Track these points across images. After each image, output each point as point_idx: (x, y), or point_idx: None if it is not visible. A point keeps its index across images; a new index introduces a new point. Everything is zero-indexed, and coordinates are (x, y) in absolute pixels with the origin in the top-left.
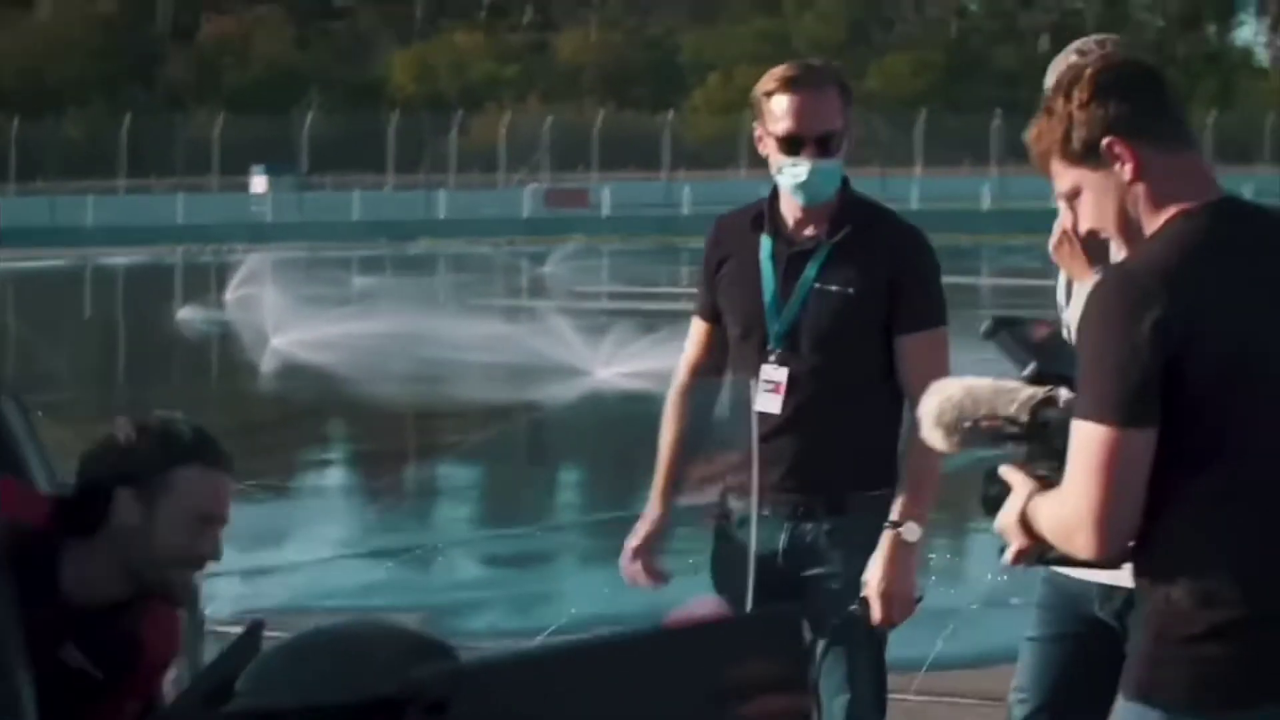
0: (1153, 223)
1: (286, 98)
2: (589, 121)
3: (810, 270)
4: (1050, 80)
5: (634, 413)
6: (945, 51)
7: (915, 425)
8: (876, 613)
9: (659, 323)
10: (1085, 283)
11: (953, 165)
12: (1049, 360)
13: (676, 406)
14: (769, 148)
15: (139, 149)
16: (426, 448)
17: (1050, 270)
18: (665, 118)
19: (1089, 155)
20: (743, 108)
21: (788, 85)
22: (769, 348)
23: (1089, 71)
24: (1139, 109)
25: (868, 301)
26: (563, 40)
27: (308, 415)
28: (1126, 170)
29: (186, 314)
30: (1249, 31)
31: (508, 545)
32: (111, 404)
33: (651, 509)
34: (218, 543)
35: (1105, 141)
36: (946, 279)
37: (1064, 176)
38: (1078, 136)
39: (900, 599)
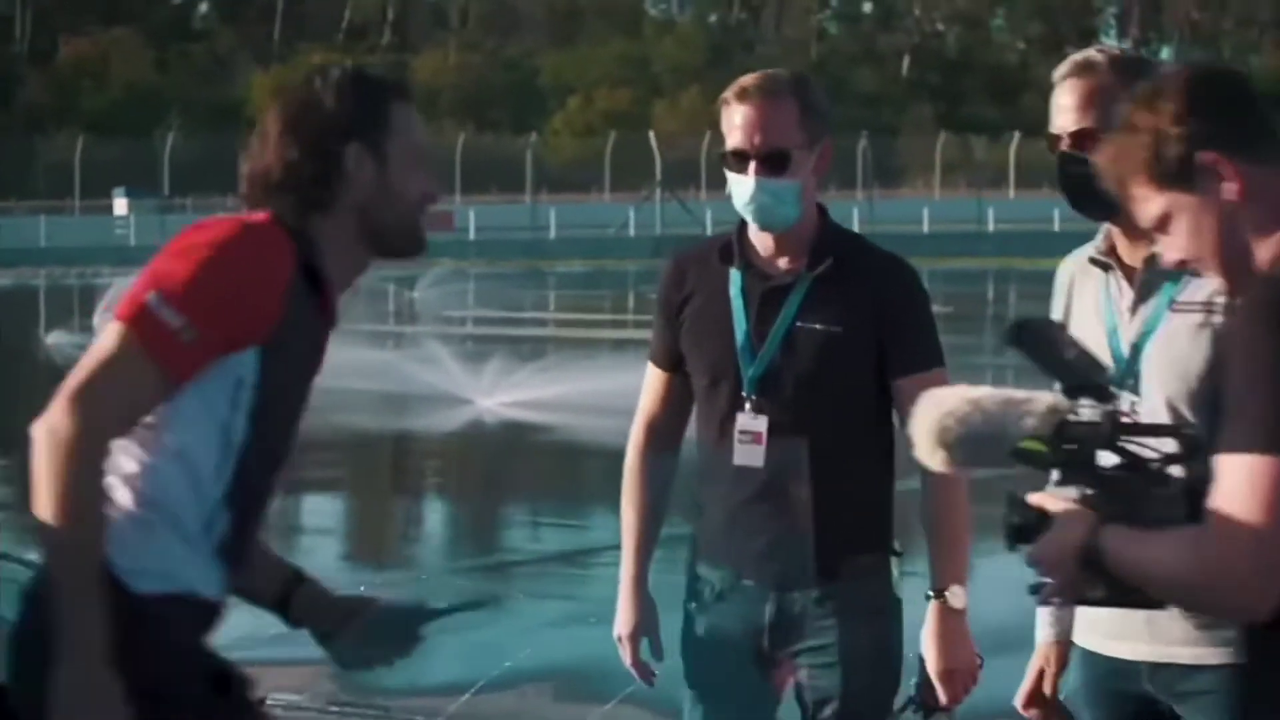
0: (1264, 247)
1: (146, 120)
2: (450, 144)
3: (789, 307)
4: (1063, 82)
5: (521, 443)
6: (806, 74)
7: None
8: (942, 695)
9: (536, 349)
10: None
11: (819, 189)
12: (1085, 371)
13: (638, 475)
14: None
15: None
16: (310, 483)
17: None
18: (526, 140)
19: (1183, 175)
20: (604, 130)
21: (738, 96)
22: (743, 394)
23: (1179, 81)
24: (1238, 122)
25: (856, 341)
26: (421, 62)
27: None
28: (1229, 190)
29: (56, 338)
30: None
31: (417, 589)
32: None
33: (627, 602)
34: (433, 181)
35: (1205, 159)
36: None
37: (1151, 201)
38: (1170, 155)
39: (964, 673)
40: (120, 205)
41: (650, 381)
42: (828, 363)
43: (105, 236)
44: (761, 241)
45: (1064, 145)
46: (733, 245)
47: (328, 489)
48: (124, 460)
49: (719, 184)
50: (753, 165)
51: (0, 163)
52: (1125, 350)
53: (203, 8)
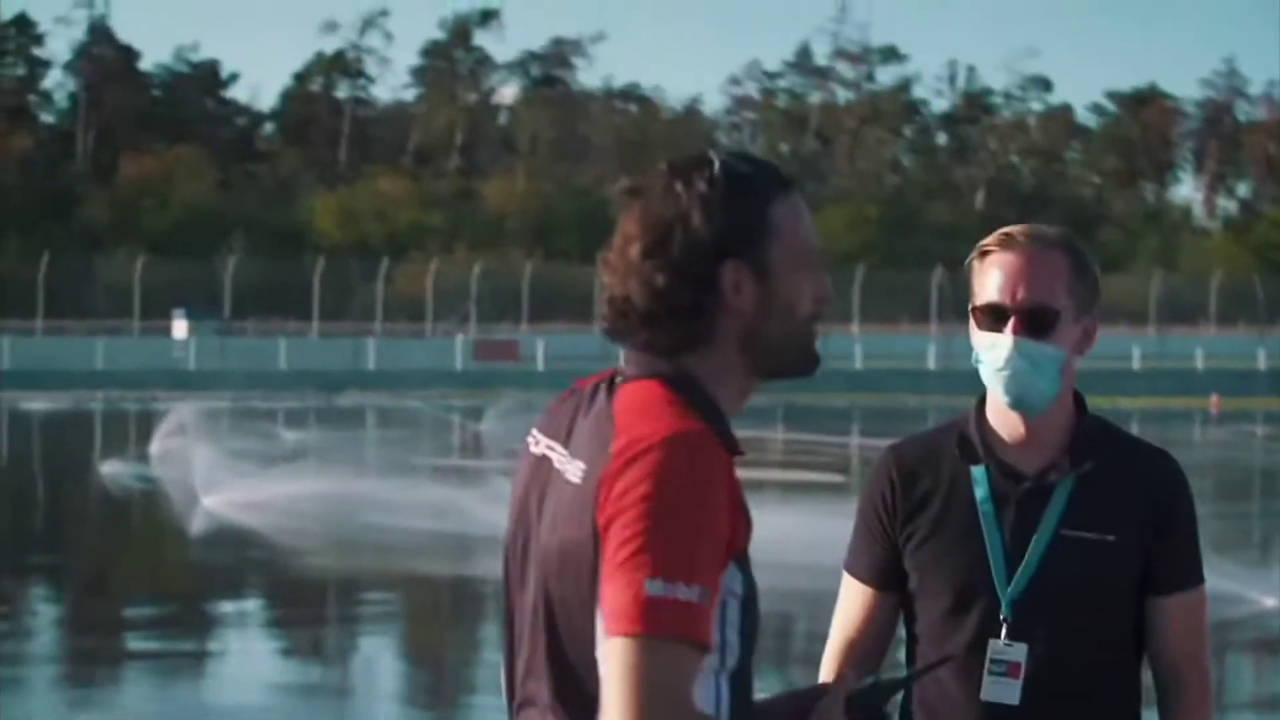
0: None
1: (208, 240)
2: (517, 271)
3: (1052, 512)
4: None
5: None
6: (880, 205)
7: (1188, 705)
8: None
9: None
10: None
11: (891, 322)
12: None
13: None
14: (972, 328)
15: (56, 290)
16: (375, 628)
17: None
18: (595, 269)
19: None
20: None
21: (1000, 244)
22: (1003, 617)
23: None
24: None
25: (1128, 551)
26: (489, 188)
27: (254, 588)
28: None
29: (110, 468)
30: (1186, 189)
31: None
32: (29, 567)
33: None
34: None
35: None
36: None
37: None
38: None
39: None
40: (180, 327)
41: (850, 599)
42: (1099, 577)
43: (163, 360)
44: (1010, 431)
45: None
46: (973, 438)
47: (392, 633)
48: None
49: None
50: (1011, 323)
51: (59, 282)
52: None
53: (267, 128)
